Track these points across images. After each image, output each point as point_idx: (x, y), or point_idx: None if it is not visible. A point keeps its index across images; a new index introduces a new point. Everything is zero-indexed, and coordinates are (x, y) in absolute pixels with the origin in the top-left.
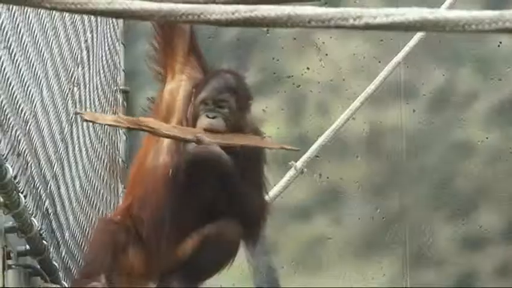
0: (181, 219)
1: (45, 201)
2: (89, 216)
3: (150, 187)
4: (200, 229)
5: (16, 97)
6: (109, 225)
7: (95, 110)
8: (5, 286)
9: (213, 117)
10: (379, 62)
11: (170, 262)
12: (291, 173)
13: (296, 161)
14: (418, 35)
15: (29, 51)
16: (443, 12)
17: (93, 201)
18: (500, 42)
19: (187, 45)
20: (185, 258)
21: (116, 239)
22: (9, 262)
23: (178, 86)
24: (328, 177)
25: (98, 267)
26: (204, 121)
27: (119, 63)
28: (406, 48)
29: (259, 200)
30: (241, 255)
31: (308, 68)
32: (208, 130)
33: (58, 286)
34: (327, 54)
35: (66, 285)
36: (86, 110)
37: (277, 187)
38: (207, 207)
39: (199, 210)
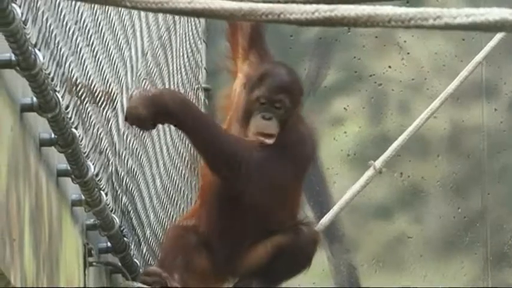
0: (237, 224)
1: (125, 199)
2: (170, 214)
3: (209, 187)
4: (273, 234)
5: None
6: (181, 225)
7: None
8: (86, 283)
9: (269, 118)
10: (461, 61)
11: (239, 265)
12: (369, 172)
13: (375, 160)
14: (499, 35)
15: (111, 48)
16: None
17: (174, 199)
18: None
19: (247, 40)
20: (261, 263)
21: (188, 239)
22: (91, 259)
23: (237, 82)
24: (409, 176)
25: (171, 267)
26: (259, 122)
27: (201, 61)
28: (487, 48)
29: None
30: (322, 253)
31: (390, 67)
32: (261, 134)
33: (139, 284)
34: (408, 53)
35: None
36: None
37: (355, 186)
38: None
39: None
